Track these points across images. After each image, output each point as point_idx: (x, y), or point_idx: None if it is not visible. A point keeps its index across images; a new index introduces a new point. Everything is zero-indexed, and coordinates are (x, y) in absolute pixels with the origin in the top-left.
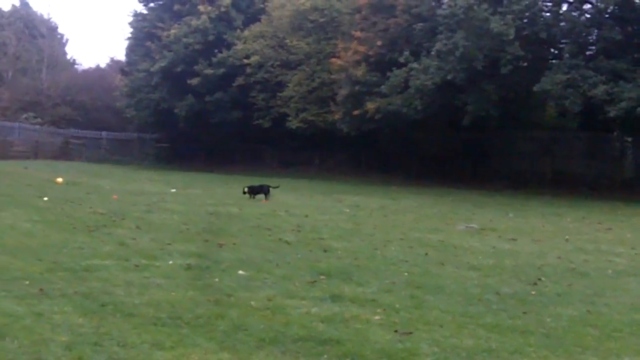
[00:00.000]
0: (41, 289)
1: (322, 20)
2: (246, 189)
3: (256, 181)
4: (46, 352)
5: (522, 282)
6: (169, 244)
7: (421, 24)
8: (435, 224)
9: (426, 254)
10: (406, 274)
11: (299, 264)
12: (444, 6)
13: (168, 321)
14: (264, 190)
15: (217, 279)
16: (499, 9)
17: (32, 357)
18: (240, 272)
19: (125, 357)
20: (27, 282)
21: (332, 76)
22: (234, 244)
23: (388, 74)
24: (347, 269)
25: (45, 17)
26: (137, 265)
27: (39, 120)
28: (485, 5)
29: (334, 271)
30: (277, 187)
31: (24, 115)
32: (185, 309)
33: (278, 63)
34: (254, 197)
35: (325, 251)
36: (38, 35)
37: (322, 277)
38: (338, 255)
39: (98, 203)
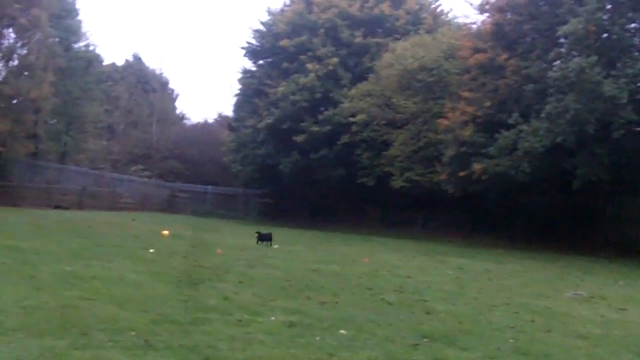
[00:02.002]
0: (146, 340)
1: (430, 79)
2: (256, 235)
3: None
4: None
5: (631, 353)
6: (272, 299)
7: (531, 85)
8: (542, 289)
9: (532, 320)
10: (512, 340)
11: (401, 325)
12: (555, 68)
13: None
14: (270, 237)
15: (318, 338)
16: (612, 72)
17: None
18: (342, 331)
19: None
20: (133, 333)
21: (439, 136)
22: (336, 302)
23: (496, 135)
24: (450, 332)
25: (157, 72)
26: (240, 320)
27: (147, 172)
28: (598, 68)
29: (437, 334)
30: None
31: (134, 168)
32: None
33: (384, 122)
34: (261, 243)
35: (428, 313)
36: (150, 90)
37: (425, 340)
38: (441, 318)
39: (202, 257)
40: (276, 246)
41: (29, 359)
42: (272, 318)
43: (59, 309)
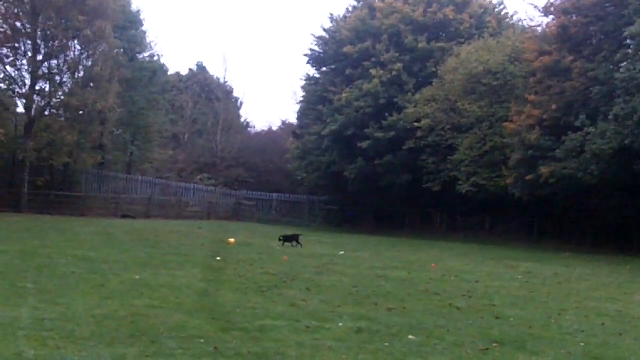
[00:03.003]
0: (216, 348)
1: (495, 83)
2: (281, 237)
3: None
4: None
5: None
6: (339, 306)
7: (598, 87)
8: (612, 293)
9: (603, 324)
10: (583, 344)
11: (470, 330)
12: (622, 70)
13: None
14: (295, 238)
15: (387, 344)
16: None
17: None
18: (411, 337)
19: None
20: (203, 341)
21: (505, 140)
22: (404, 308)
23: (563, 138)
24: (520, 337)
25: (221, 81)
26: (308, 327)
27: (213, 181)
28: None
29: (507, 339)
30: (301, 235)
31: (199, 177)
32: None
33: (449, 126)
34: (284, 245)
35: (497, 318)
36: (214, 99)
37: (494, 344)
38: (511, 322)
39: (269, 264)
40: (342, 252)
41: None
42: (340, 325)
43: (128, 317)
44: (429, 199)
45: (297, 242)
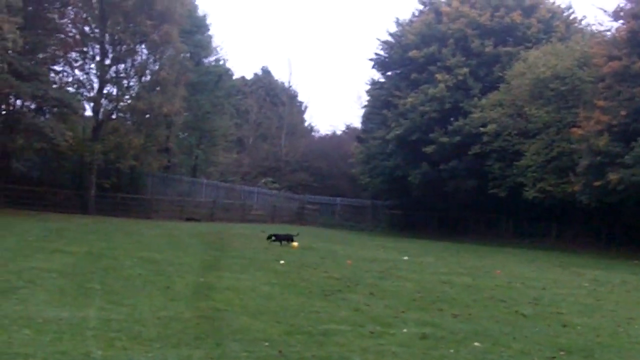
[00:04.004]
0: (280, 351)
1: (563, 88)
2: (273, 237)
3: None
4: None
5: None
6: (403, 311)
7: None
8: None
9: None
10: None
11: (537, 338)
12: None
13: None
14: (289, 238)
15: (452, 350)
16: None
17: None
18: (476, 344)
19: None
20: (267, 344)
21: (572, 146)
22: (469, 314)
23: (632, 144)
24: (588, 345)
25: (286, 85)
26: (372, 332)
27: (276, 185)
28: None
29: (575, 347)
30: (297, 234)
31: (263, 180)
32: None
33: (515, 131)
34: (281, 244)
35: (564, 326)
36: (279, 103)
37: (561, 352)
38: (578, 331)
39: (333, 268)
40: (406, 257)
41: None
42: (405, 330)
43: (193, 319)
44: (494, 205)
45: (291, 242)
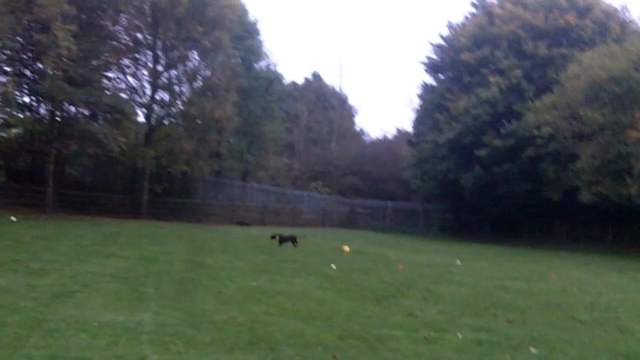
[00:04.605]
0: (334, 357)
1: (618, 90)
2: (278, 237)
3: None
4: None
5: None
6: (458, 317)
7: None
8: None
9: None
10: None
11: (594, 344)
12: None
13: None
14: (292, 239)
15: (508, 356)
16: None
17: None
18: (533, 349)
19: None
20: (320, 349)
21: (629, 148)
22: (525, 319)
23: None
24: None
25: (337, 89)
26: (426, 338)
27: (327, 189)
28: None
29: (633, 354)
30: (304, 236)
31: (314, 184)
32: None
33: (570, 134)
34: (280, 244)
35: (622, 332)
36: (329, 107)
37: (620, 359)
38: (637, 337)
39: (385, 272)
40: (459, 262)
41: None
42: (459, 336)
43: (247, 323)
44: (548, 208)
45: (294, 243)
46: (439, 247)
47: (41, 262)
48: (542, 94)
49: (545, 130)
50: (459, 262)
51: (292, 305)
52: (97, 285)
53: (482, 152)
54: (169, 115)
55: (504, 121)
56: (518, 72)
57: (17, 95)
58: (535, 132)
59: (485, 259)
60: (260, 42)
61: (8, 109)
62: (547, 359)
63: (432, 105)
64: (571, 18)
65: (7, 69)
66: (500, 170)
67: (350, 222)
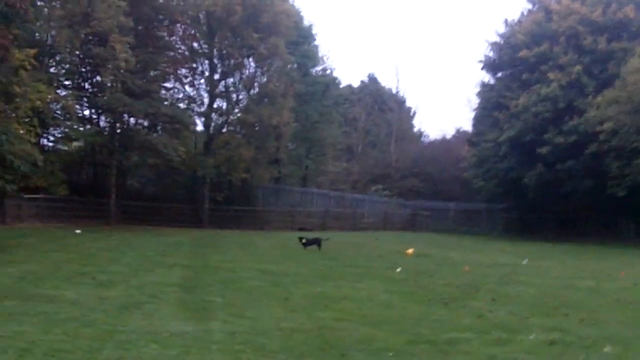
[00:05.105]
0: None
1: None
2: (304, 240)
3: None
4: None
5: None
6: (528, 317)
7: None
8: None
9: None
10: None
11: None
12: None
13: None
14: (317, 242)
15: (582, 356)
16: None
17: None
18: (607, 349)
19: None
20: (391, 354)
21: None
22: (596, 319)
23: None
24: None
25: (394, 91)
26: (498, 339)
27: (387, 192)
28: None
29: None
30: (327, 239)
31: (374, 188)
32: None
33: (634, 129)
34: (306, 248)
35: None
36: (387, 109)
37: None
38: None
39: (450, 275)
40: (525, 262)
41: None
42: (531, 337)
43: (315, 330)
44: (614, 205)
45: (319, 246)
46: (504, 247)
47: (107, 274)
48: (603, 88)
49: (608, 126)
50: (525, 262)
51: (359, 311)
52: (164, 296)
53: (544, 150)
54: (227, 123)
55: (565, 117)
56: (578, 68)
57: (77, 108)
58: (598, 127)
59: (551, 258)
60: (315, 47)
61: (69, 123)
62: (623, 357)
63: (491, 104)
64: (630, 12)
65: (67, 82)
66: (563, 167)
67: (411, 224)
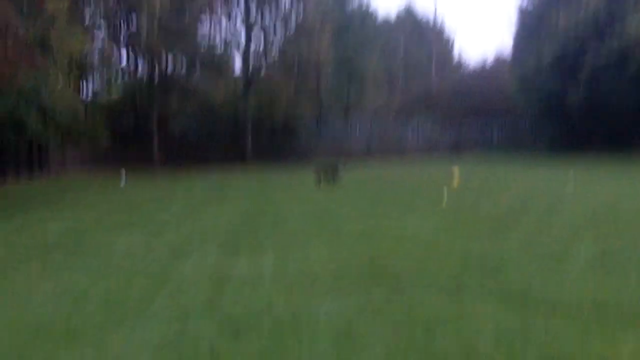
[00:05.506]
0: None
1: None
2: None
3: None
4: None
5: None
6: (578, 240)
7: None
8: None
9: None
10: None
11: None
12: None
13: None
14: (330, 170)
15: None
16: None
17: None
18: None
19: None
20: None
21: None
22: None
23: None
24: None
25: (432, 20)
26: (549, 258)
27: (429, 120)
28: None
29: None
30: (345, 164)
31: (416, 117)
32: None
33: None
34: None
35: None
36: (425, 41)
37: None
38: None
39: (497, 201)
40: (572, 175)
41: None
42: (583, 252)
43: (367, 261)
44: None
45: (334, 177)
46: (549, 170)
47: (156, 223)
48: None
49: None
50: (571, 175)
51: (408, 243)
52: (214, 240)
53: (587, 64)
54: (266, 61)
55: (607, 30)
56: None
57: (115, 55)
58: None
59: (597, 180)
60: None
61: (109, 70)
62: None
63: (532, 24)
64: None
65: (103, 22)
66: (606, 82)
67: (456, 150)
